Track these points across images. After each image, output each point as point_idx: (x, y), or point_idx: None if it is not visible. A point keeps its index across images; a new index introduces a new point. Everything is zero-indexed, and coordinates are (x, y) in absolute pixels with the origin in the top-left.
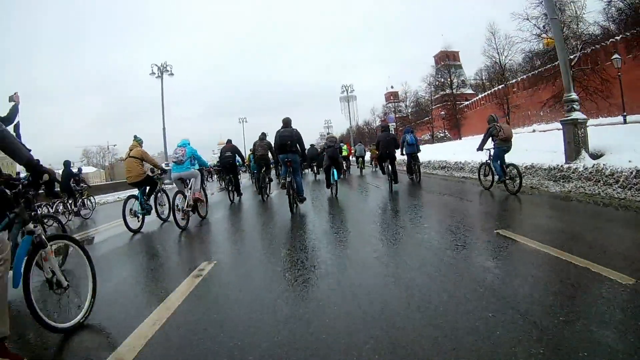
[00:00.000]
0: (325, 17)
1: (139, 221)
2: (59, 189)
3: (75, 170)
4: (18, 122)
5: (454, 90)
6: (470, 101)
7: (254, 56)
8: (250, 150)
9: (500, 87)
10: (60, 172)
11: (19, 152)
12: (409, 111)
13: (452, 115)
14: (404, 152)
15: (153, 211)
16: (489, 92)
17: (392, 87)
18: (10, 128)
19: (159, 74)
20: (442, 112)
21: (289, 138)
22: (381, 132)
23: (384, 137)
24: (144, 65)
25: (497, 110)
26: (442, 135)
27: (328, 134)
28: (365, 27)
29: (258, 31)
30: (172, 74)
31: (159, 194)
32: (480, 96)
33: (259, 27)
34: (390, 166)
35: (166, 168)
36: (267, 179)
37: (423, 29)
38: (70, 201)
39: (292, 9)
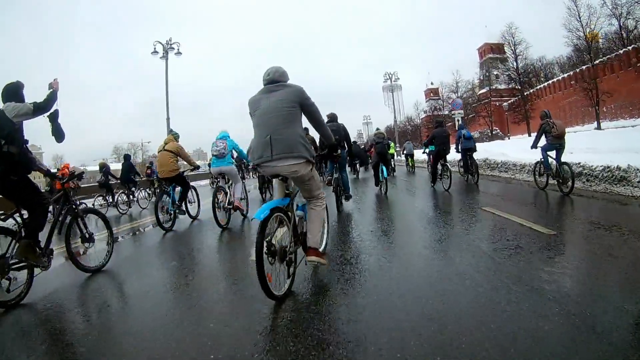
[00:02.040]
0: (361, 14)
1: (170, 218)
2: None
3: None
4: (57, 110)
5: (500, 85)
6: (541, 86)
7: (290, 56)
8: None
9: (585, 67)
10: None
11: None
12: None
13: (520, 105)
14: (460, 149)
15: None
16: (567, 74)
17: (432, 83)
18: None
19: (164, 54)
20: (506, 104)
21: (337, 133)
22: (435, 127)
23: (440, 133)
24: (180, 63)
25: (583, 99)
26: (494, 132)
27: (377, 129)
28: (404, 24)
29: (293, 31)
30: (179, 53)
31: (189, 191)
32: (554, 80)
33: (294, 26)
34: (443, 165)
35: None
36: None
37: (464, 24)
38: (129, 193)
39: (327, 8)
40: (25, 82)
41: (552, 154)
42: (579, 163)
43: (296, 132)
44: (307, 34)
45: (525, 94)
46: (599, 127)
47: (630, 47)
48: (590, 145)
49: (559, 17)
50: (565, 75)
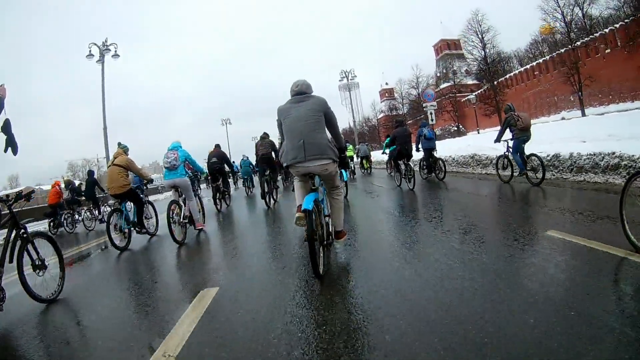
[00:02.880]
0: (313, 17)
1: (125, 237)
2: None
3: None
4: (7, 120)
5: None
6: (512, 73)
7: (244, 62)
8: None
9: (565, 49)
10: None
11: None
12: (404, 108)
13: (490, 97)
14: (420, 148)
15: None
16: (542, 59)
17: (386, 83)
18: None
19: (100, 57)
20: (473, 96)
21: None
22: (396, 127)
23: (401, 133)
24: (137, 75)
25: (562, 85)
26: (454, 129)
27: None
28: (356, 27)
29: (246, 36)
30: (116, 55)
31: (144, 206)
32: (527, 67)
33: (247, 32)
34: (406, 165)
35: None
36: (272, 183)
37: (417, 24)
38: (94, 208)
39: (278, 11)
40: None
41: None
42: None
43: (324, 137)
44: (262, 39)
45: (494, 82)
46: (583, 114)
47: (617, 25)
48: (577, 134)
49: (513, 11)
50: (541, 60)
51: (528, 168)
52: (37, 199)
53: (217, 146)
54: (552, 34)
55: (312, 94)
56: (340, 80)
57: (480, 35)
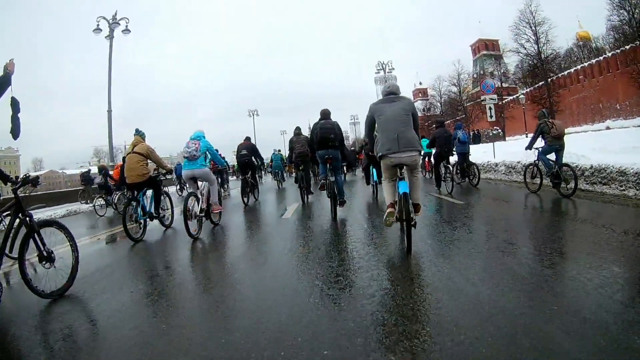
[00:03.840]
0: (348, 17)
1: (140, 227)
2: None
3: (84, 170)
4: (14, 99)
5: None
6: (569, 71)
7: (274, 59)
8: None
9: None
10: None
11: None
12: (442, 108)
13: (541, 96)
14: (454, 152)
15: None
16: (614, 52)
17: (420, 83)
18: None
19: (110, 33)
20: (522, 95)
21: (331, 131)
22: (436, 128)
23: (441, 134)
24: (163, 65)
25: (609, 90)
26: (494, 133)
27: None
28: (390, 27)
29: (277, 33)
30: (127, 31)
31: (162, 197)
32: (588, 64)
33: (277, 29)
34: (446, 167)
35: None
36: (305, 179)
37: (450, 25)
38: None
39: (313, 9)
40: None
41: (551, 156)
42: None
43: (413, 132)
44: (293, 37)
45: (549, 80)
46: None
47: None
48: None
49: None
50: (602, 58)
51: (560, 179)
52: (60, 183)
53: (247, 139)
54: (589, 40)
55: (401, 94)
56: (376, 73)
57: (533, 28)
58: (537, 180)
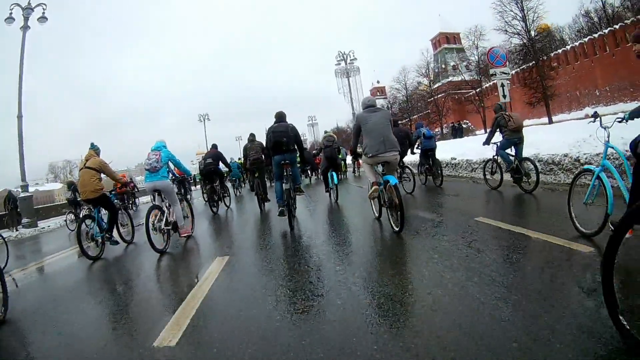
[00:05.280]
0: (304, 18)
1: (98, 245)
2: None
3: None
4: None
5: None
6: (564, 48)
7: (232, 63)
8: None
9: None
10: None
11: None
12: (402, 105)
13: (535, 80)
14: (418, 149)
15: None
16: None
17: (377, 81)
18: None
19: (24, 22)
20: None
21: (285, 134)
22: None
23: (395, 133)
24: (123, 74)
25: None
26: (465, 126)
27: (325, 132)
28: (346, 27)
29: (235, 36)
30: (43, 18)
31: (119, 213)
32: (589, 38)
33: (236, 33)
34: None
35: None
36: (261, 186)
37: (409, 24)
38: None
39: (269, 11)
40: None
41: (510, 151)
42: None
43: (393, 136)
44: (253, 44)
45: (540, 58)
46: None
47: None
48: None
49: None
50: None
51: (521, 173)
52: None
53: (214, 146)
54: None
55: (379, 106)
56: (337, 64)
57: (520, 3)
58: (498, 177)
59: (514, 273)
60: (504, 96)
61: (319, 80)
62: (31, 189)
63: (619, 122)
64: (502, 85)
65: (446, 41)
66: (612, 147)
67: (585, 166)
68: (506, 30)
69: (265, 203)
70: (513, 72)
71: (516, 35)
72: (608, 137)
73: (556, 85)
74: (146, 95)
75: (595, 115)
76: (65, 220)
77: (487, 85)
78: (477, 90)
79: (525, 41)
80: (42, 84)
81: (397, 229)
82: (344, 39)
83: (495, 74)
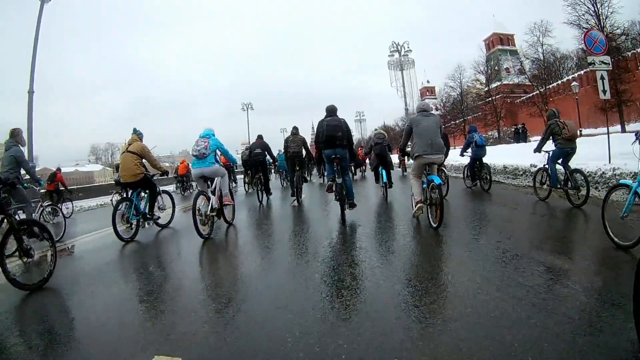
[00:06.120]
0: (350, 17)
1: (132, 228)
2: None
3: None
4: None
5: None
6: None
7: (281, 60)
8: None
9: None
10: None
11: None
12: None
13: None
14: (467, 154)
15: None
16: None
17: (427, 81)
18: None
19: None
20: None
21: (339, 129)
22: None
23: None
24: (167, 62)
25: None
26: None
27: (376, 129)
28: (396, 28)
29: (281, 33)
30: None
31: (159, 196)
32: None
33: (281, 29)
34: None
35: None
36: (301, 180)
37: (461, 26)
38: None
39: (317, 10)
40: None
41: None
42: None
43: (441, 140)
44: (298, 38)
45: (615, 58)
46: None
47: None
48: None
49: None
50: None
51: (570, 186)
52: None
53: (260, 137)
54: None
55: (431, 111)
56: (390, 56)
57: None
58: (547, 187)
59: None
60: (604, 91)
61: (365, 77)
62: (71, 169)
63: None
64: (602, 78)
65: (500, 42)
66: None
67: (621, 181)
68: (579, 25)
69: (269, 196)
70: (582, 72)
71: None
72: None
73: (632, 89)
74: (187, 85)
75: (637, 136)
76: (111, 200)
77: (552, 85)
78: (542, 90)
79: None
80: (89, 67)
81: (435, 225)
82: (391, 36)
83: (593, 63)
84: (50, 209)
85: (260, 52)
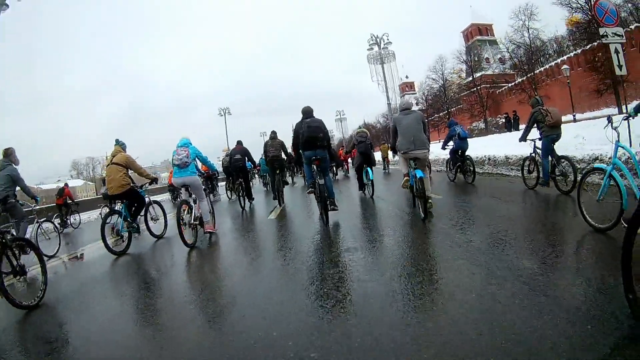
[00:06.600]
0: (330, 17)
1: (123, 241)
2: None
3: (61, 185)
4: None
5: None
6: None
7: (266, 60)
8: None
9: None
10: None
11: None
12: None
13: (604, 65)
14: (448, 147)
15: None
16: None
17: (406, 76)
18: None
19: None
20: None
21: (319, 130)
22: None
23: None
24: (153, 70)
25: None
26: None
27: (359, 127)
28: (372, 25)
29: (265, 35)
30: None
31: (150, 207)
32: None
33: (266, 32)
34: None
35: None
36: (282, 183)
37: (438, 20)
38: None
39: (297, 11)
40: None
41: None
42: None
43: (424, 135)
44: (281, 38)
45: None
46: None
47: None
48: None
49: None
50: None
51: (557, 173)
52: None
53: (239, 143)
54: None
55: (413, 109)
56: (369, 49)
57: None
58: (535, 175)
59: None
60: (619, 66)
61: (344, 79)
62: (54, 185)
63: (625, 119)
64: (617, 52)
65: (478, 32)
66: (622, 147)
67: (596, 164)
68: (569, 4)
69: (251, 201)
70: (577, 52)
71: (579, 10)
72: (618, 136)
73: (630, 69)
74: (173, 93)
75: (609, 120)
76: (100, 214)
77: (539, 70)
78: (529, 75)
79: (590, 17)
80: (65, 79)
81: (423, 216)
82: (369, 34)
83: (606, 35)
84: (45, 225)
85: (249, 56)
